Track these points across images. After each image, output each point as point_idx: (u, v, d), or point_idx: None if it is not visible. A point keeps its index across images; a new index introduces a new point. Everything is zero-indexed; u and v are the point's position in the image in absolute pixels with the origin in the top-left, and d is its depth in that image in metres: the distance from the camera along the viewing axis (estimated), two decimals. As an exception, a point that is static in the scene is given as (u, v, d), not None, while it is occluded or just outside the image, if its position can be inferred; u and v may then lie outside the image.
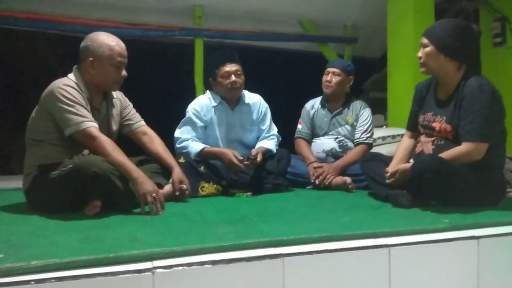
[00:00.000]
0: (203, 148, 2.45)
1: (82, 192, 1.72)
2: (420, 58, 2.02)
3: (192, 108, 2.55)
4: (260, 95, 2.76)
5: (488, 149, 1.88)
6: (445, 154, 1.88)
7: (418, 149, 2.09)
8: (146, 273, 1.13)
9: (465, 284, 1.45)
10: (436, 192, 1.90)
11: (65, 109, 1.79)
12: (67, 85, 1.83)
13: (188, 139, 2.49)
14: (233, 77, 2.48)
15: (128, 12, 4.27)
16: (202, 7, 4.48)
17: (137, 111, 2.20)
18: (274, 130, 2.72)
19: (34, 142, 1.88)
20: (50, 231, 1.47)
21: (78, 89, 1.85)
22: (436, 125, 2.00)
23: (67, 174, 1.69)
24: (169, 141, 2.47)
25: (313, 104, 2.99)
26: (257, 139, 2.68)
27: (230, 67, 2.49)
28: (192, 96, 2.72)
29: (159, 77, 4.71)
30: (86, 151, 1.80)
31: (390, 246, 1.37)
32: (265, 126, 2.67)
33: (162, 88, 4.69)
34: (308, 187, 2.70)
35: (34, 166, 1.83)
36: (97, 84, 1.93)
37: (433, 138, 2.02)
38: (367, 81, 5.71)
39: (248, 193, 2.39)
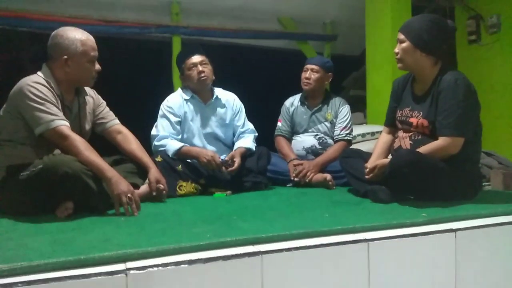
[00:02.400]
0: (181, 147, 2.41)
1: (53, 193, 1.66)
2: (397, 54, 2.03)
3: (165, 105, 2.53)
4: (239, 93, 2.75)
5: (464, 144, 1.90)
6: (422, 149, 1.90)
7: (396, 145, 2.10)
8: (119, 275, 1.08)
9: (443, 276, 1.46)
10: (414, 186, 1.92)
11: (34, 107, 1.72)
12: (36, 82, 1.76)
13: (167, 136, 2.45)
14: (199, 67, 2.48)
15: (103, 8, 4.18)
16: (180, 3, 4.42)
17: (112, 110, 2.15)
18: (250, 125, 2.71)
19: (2, 142, 1.81)
20: (18, 234, 1.41)
21: (48, 87, 1.79)
22: (413, 120, 2.02)
23: (37, 174, 1.63)
24: (146, 140, 2.42)
25: (293, 102, 2.98)
26: (233, 135, 2.66)
27: (196, 58, 2.50)
28: (169, 94, 2.67)
29: (136, 75, 4.61)
30: (57, 151, 1.73)
31: (369, 241, 1.36)
32: (239, 122, 2.66)
33: (138, 86, 4.60)
34: (288, 185, 2.69)
35: (2, 167, 1.75)
36: (73, 81, 1.87)
37: (410, 134, 2.04)
38: (347, 79, 5.74)
39: (228, 191, 2.36)
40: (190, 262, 1.16)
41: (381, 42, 3.91)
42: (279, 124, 2.98)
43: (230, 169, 2.35)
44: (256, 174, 2.51)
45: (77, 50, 1.82)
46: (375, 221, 1.53)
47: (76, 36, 1.84)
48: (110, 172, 1.73)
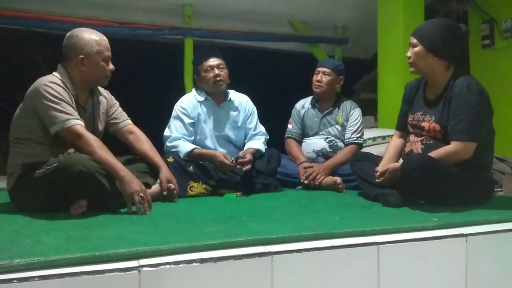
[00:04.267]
0: (193, 149, 2.43)
1: (68, 191, 1.69)
2: (409, 58, 2.03)
3: (179, 106, 2.55)
4: (251, 95, 2.77)
5: (476, 149, 1.89)
6: (434, 154, 1.89)
7: (407, 149, 2.10)
8: (133, 272, 1.10)
9: (454, 281, 1.45)
10: (425, 191, 1.91)
11: (50, 106, 1.75)
12: (52, 82, 1.80)
13: (179, 138, 2.48)
14: (216, 70, 2.50)
15: (117, 10, 4.24)
16: (192, 6, 4.46)
17: (125, 110, 2.18)
18: (261, 128, 2.72)
19: (19, 140, 1.84)
20: (34, 230, 1.44)
21: (64, 87, 1.82)
22: (425, 124, 2.01)
23: (52, 172, 1.66)
24: (158, 140, 2.45)
25: (304, 104, 2.98)
26: (245, 137, 2.68)
27: (213, 61, 2.52)
28: (182, 95, 2.70)
29: (149, 76, 4.67)
30: (71, 150, 1.76)
31: (379, 244, 1.36)
32: (251, 125, 2.67)
33: (151, 87, 4.66)
34: (298, 187, 2.69)
35: (18, 165, 1.79)
36: (89, 81, 1.91)
37: (422, 138, 2.03)
38: (358, 82, 5.73)
39: (238, 193, 2.37)
40: (202, 260, 1.18)
41: (393, 46, 3.91)
42: (289, 126, 2.99)
43: (241, 160, 2.36)
44: (266, 176, 2.52)
45: (93, 50, 1.86)
46: (385, 225, 1.53)
47: (91, 36, 1.87)
48: (124, 171, 1.76)
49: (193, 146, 2.45)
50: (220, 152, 2.44)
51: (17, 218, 1.65)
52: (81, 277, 1.07)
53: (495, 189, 2.21)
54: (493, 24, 4.15)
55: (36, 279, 1.05)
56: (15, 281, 1.03)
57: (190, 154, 2.42)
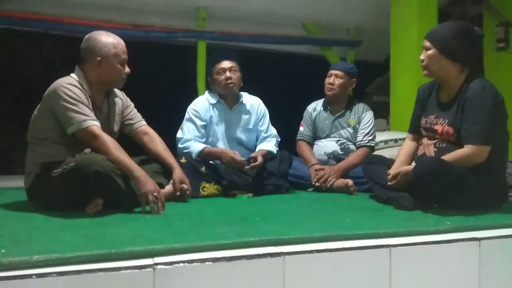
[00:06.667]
0: (204, 148, 2.46)
1: (84, 190, 1.73)
2: (423, 61, 2.03)
3: (191, 108, 2.59)
4: (263, 97, 2.78)
5: (490, 152, 1.88)
6: (447, 157, 1.88)
7: (420, 152, 2.09)
8: (148, 269, 1.13)
9: (466, 285, 1.45)
10: (437, 194, 1.90)
11: (67, 107, 1.79)
12: (70, 83, 1.84)
13: (190, 139, 2.51)
14: (228, 73, 2.52)
15: (132, 13, 4.30)
16: (206, 9, 4.50)
17: (139, 112, 2.21)
18: (273, 131, 2.73)
19: (36, 140, 1.88)
20: (52, 228, 1.48)
21: (81, 88, 1.86)
22: (438, 127, 2.00)
23: (69, 172, 1.70)
24: (171, 142, 2.48)
25: (315, 107, 2.99)
26: (257, 140, 2.69)
27: (225, 64, 2.54)
28: (194, 97, 2.73)
29: (162, 79, 4.73)
30: (88, 150, 1.80)
31: (391, 246, 1.36)
32: (263, 127, 2.69)
33: (164, 89, 4.72)
34: (309, 189, 2.70)
35: (36, 164, 1.83)
36: (105, 83, 1.94)
37: (435, 141, 2.02)
38: (370, 84, 5.71)
39: (249, 194, 2.39)
40: (215, 259, 1.20)
41: (406, 49, 3.88)
42: (301, 128, 2.99)
43: (252, 164, 2.38)
44: (277, 177, 2.54)
45: (110, 53, 1.90)
46: (397, 227, 1.53)
47: (109, 39, 1.91)
48: (138, 171, 1.79)
49: (203, 145, 2.48)
50: (229, 150, 2.46)
51: (35, 216, 1.69)
52: (97, 273, 1.09)
53: (510, 194, 2.19)
54: (508, 26, 4.10)
55: (54, 275, 1.07)
56: (33, 276, 1.06)
57: (201, 153, 2.45)
